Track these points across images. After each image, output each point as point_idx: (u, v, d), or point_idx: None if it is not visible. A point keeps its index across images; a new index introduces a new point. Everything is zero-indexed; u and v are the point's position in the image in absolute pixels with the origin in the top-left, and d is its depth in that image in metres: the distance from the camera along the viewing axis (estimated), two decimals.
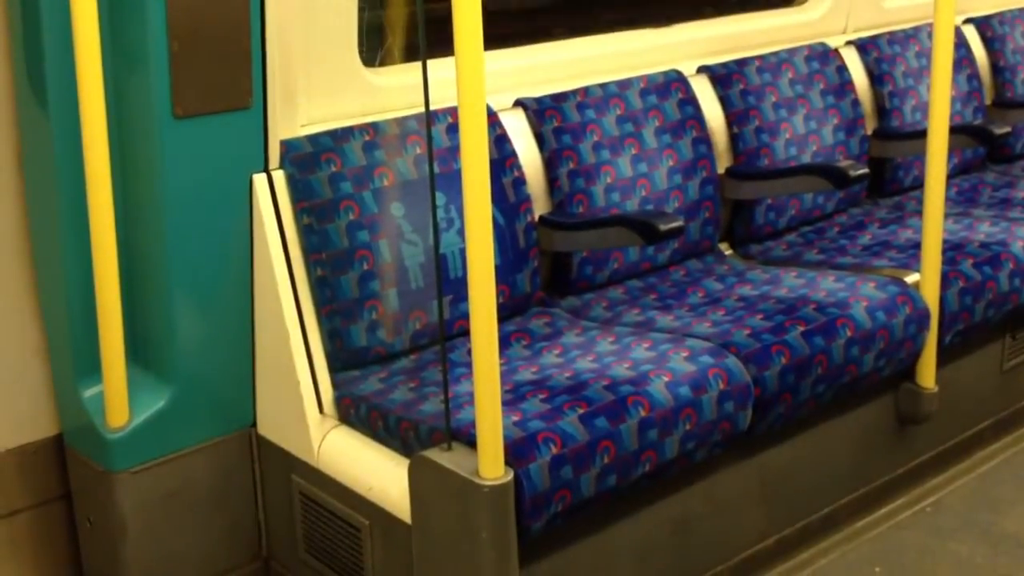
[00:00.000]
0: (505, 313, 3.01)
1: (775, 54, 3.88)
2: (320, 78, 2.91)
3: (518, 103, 3.31)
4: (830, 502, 3.26)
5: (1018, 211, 3.90)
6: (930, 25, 3.71)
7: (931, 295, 3.24)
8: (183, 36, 2.59)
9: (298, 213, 2.82)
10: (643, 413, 2.59)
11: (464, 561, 2.40)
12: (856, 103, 3.99)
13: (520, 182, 3.14)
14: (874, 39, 4.19)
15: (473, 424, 2.34)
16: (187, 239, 2.74)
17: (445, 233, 2.95)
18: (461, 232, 2.93)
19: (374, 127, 2.94)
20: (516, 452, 2.40)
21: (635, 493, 2.68)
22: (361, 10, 2.99)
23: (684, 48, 3.78)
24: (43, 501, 3.01)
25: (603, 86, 3.43)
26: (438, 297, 2.59)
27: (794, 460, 3.11)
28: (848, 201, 3.97)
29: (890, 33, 4.25)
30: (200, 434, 2.88)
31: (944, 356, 3.35)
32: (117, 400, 2.72)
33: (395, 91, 3.07)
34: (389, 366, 2.89)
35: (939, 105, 3.17)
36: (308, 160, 2.82)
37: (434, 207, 2.46)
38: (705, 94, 3.67)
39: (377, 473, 2.65)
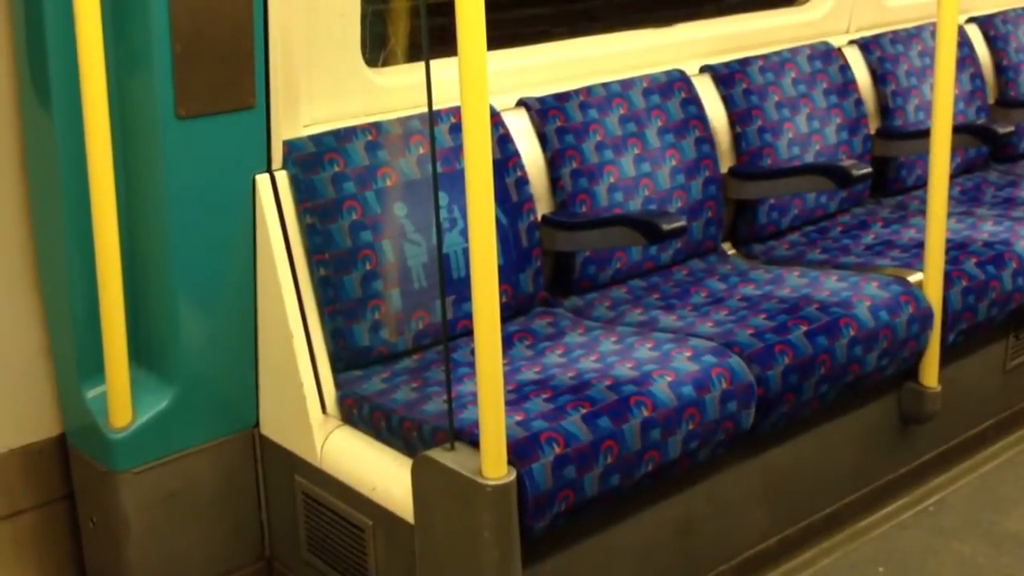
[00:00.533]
0: (508, 313, 3.01)
1: (778, 53, 3.88)
2: (323, 78, 2.91)
3: (521, 103, 3.31)
4: (833, 502, 3.26)
5: (1021, 210, 3.89)
6: (933, 24, 3.72)
7: (934, 294, 3.24)
8: (186, 37, 2.59)
9: (301, 213, 2.82)
10: (646, 413, 2.59)
11: (467, 561, 2.40)
12: (859, 102, 3.99)
13: (523, 182, 3.14)
14: (877, 38, 4.19)
15: (476, 424, 2.34)
16: (190, 239, 2.74)
17: (448, 233, 2.95)
18: (464, 232, 2.93)
19: (377, 127, 2.94)
20: (519, 452, 2.40)
21: (638, 493, 2.68)
22: (364, 10, 2.99)
23: (687, 48, 3.77)
24: (46, 501, 3.02)
25: (606, 86, 3.43)
26: (441, 297, 2.59)
27: (797, 460, 3.11)
28: (851, 200, 3.97)
29: (893, 32, 4.24)
30: (203, 434, 2.88)
31: (947, 355, 3.35)
32: (120, 400, 2.72)
33: (398, 91, 3.07)
34: (392, 366, 2.89)
35: (942, 104, 3.17)
36: (311, 160, 2.82)
37: (437, 207, 2.45)
38: (708, 94, 3.67)
39: (380, 473, 2.65)
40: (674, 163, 3.46)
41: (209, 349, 2.83)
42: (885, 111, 4.12)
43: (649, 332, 2.98)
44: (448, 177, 2.96)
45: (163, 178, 2.68)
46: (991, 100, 4.51)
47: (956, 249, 3.46)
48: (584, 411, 2.54)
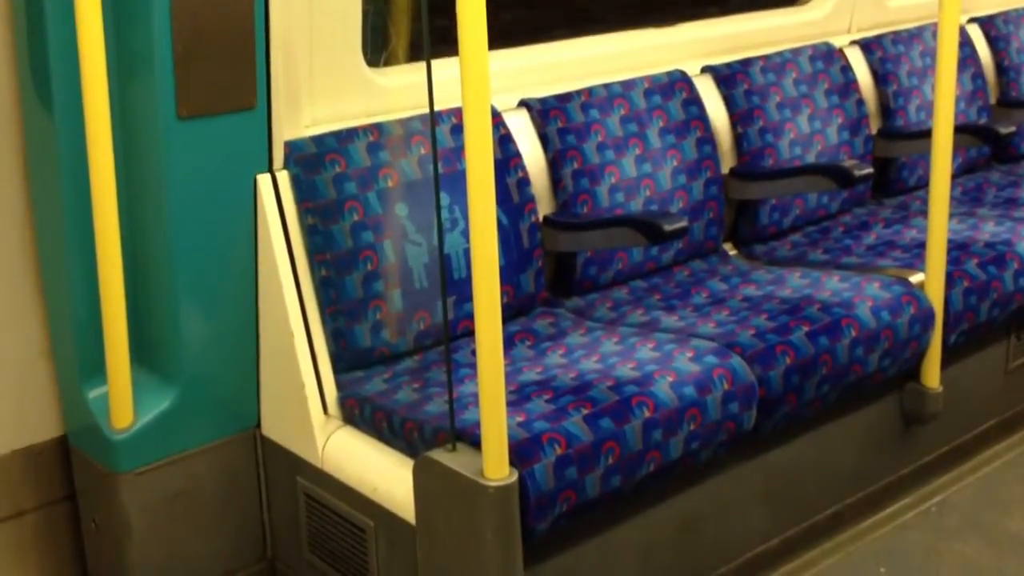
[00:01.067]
0: (509, 313, 3.01)
1: (779, 54, 3.88)
2: (324, 79, 2.91)
3: (522, 103, 3.31)
4: (835, 502, 3.26)
5: (1023, 211, 3.89)
6: (934, 24, 3.72)
7: (936, 295, 3.24)
8: (187, 37, 2.59)
9: (302, 214, 2.82)
10: (647, 413, 2.59)
11: (469, 562, 2.40)
12: (860, 103, 3.99)
13: (524, 182, 3.14)
14: (878, 39, 4.19)
15: (478, 425, 2.34)
16: (191, 240, 2.74)
17: (449, 233, 2.95)
18: (465, 233, 2.93)
19: (378, 128, 2.94)
20: (521, 453, 2.40)
21: (640, 493, 2.68)
22: (365, 11, 2.99)
23: (688, 48, 3.78)
24: (48, 502, 3.02)
25: (607, 86, 3.43)
26: (442, 297, 2.59)
27: (799, 460, 3.10)
28: (852, 201, 3.97)
29: (894, 32, 4.24)
30: (204, 435, 2.88)
31: (949, 356, 3.35)
32: (122, 401, 2.72)
33: (399, 92, 3.07)
34: (393, 367, 2.89)
35: (944, 104, 3.17)
36: (312, 161, 2.82)
37: (438, 208, 2.45)
38: (709, 94, 3.67)
39: (382, 474, 2.65)
40: (675, 163, 3.46)
41: (210, 350, 2.84)
42: (886, 111, 4.12)
43: (650, 333, 2.98)
44: (449, 178, 2.96)
45: (164, 178, 2.68)
46: (992, 100, 4.51)
47: (958, 249, 3.45)
48: (586, 412, 2.54)
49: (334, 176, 2.83)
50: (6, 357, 2.90)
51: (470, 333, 2.57)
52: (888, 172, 4.10)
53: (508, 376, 2.63)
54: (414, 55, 3.34)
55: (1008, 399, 3.75)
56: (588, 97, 3.37)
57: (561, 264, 3.29)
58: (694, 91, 3.59)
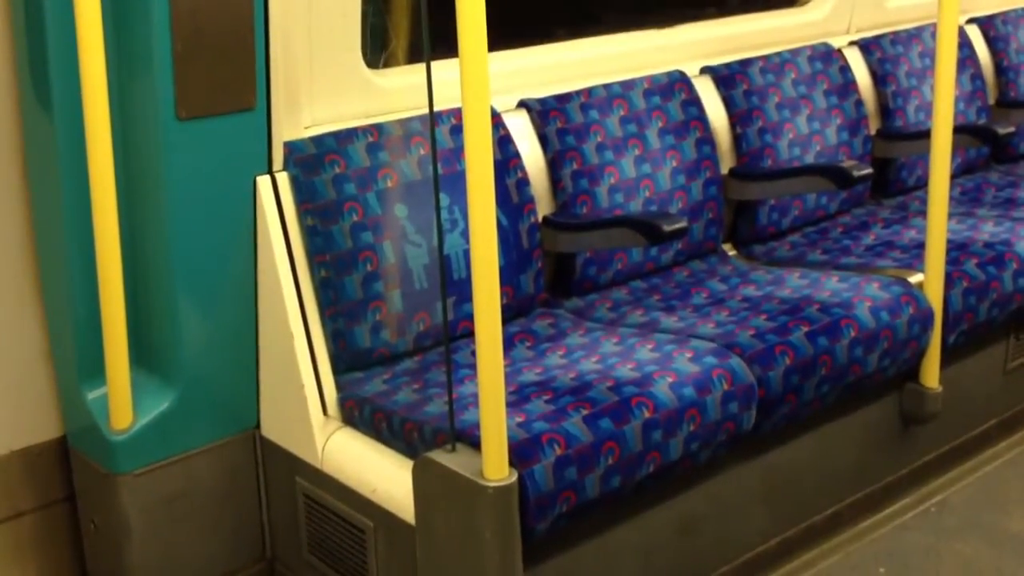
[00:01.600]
0: (509, 314, 3.01)
1: (778, 54, 3.88)
2: (324, 79, 2.91)
3: (522, 104, 3.31)
4: (834, 502, 3.26)
5: (1022, 211, 3.89)
6: (933, 25, 3.71)
7: (935, 295, 3.24)
8: (187, 38, 2.59)
9: (302, 215, 2.82)
10: (647, 414, 2.59)
11: (468, 562, 2.40)
12: (859, 103, 3.99)
13: (524, 183, 3.14)
14: (877, 39, 4.19)
15: (477, 425, 2.34)
16: (191, 241, 2.74)
17: (449, 234, 2.95)
18: (465, 233, 2.93)
19: (378, 128, 2.94)
20: (520, 453, 2.40)
21: (639, 494, 2.68)
22: (364, 11, 2.99)
23: (687, 49, 3.78)
24: (47, 503, 3.02)
25: (607, 87, 3.43)
26: (442, 298, 2.59)
27: (798, 460, 3.11)
28: (852, 201, 3.97)
29: (893, 33, 4.24)
30: (204, 436, 2.88)
31: (948, 356, 3.35)
32: (121, 402, 2.72)
33: (399, 92, 3.07)
34: (393, 367, 2.89)
35: (943, 105, 3.17)
36: (312, 162, 2.82)
37: (438, 208, 2.45)
38: (708, 95, 3.67)
39: (381, 475, 2.65)
40: (675, 164, 3.46)
41: (210, 350, 2.83)
42: (885, 112, 4.12)
43: (650, 333, 2.98)
44: (449, 178, 2.96)
45: (164, 179, 2.68)
46: (991, 101, 4.51)
47: (957, 250, 3.45)
48: (585, 412, 2.54)
49: (334, 177, 2.83)
50: (5, 358, 2.90)
51: (470, 334, 2.58)
52: (887, 172, 4.10)
53: (508, 377, 2.63)
54: (413, 56, 3.34)
55: (1007, 399, 3.76)
56: (587, 98, 3.37)
57: (561, 265, 3.29)
58: (693, 92, 3.59)
